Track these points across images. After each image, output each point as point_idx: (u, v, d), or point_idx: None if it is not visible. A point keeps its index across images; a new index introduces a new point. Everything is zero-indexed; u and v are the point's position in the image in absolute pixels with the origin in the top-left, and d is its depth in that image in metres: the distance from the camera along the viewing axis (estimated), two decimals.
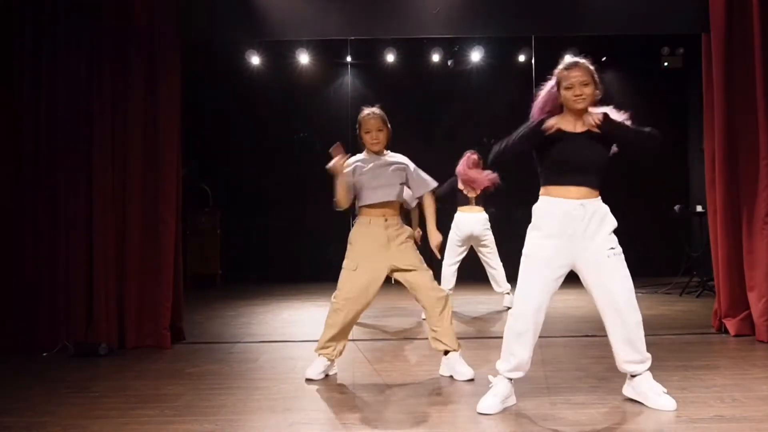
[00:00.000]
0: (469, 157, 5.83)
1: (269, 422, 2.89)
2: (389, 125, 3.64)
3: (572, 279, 3.07)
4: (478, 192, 5.87)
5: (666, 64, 8.06)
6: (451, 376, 3.57)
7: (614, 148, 3.05)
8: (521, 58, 8.00)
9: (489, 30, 5.25)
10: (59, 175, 4.52)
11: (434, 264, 3.86)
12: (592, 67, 2.98)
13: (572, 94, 2.93)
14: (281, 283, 8.31)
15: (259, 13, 4.73)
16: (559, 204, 2.96)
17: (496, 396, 2.97)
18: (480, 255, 6.03)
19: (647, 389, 2.99)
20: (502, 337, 3.06)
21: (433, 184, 3.76)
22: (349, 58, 8.33)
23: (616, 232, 3.01)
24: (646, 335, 3.01)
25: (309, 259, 8.41)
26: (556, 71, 3.02)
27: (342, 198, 3.55)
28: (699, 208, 7.14)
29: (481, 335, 4.98)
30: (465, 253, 6.01)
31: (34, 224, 4.51)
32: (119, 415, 3.01)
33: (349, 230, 3.69)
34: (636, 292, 3.01)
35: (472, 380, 3.48)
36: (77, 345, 4.33)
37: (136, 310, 4.54)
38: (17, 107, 4.53)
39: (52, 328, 4.47)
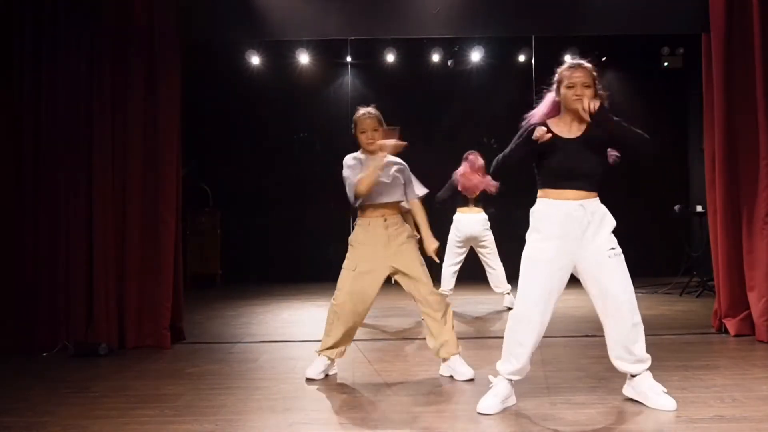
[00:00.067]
0: (474, 161, 5.76)
1: (269, 422, 2.89)
2: (385, 125, 3.64)
3: (572, 279, 3.07)
4: (477, 193, 5.87)
5: (666, 64, 8.06)
6: (451, 376, 3.57)
7: (613, 156, 3.04)
8: (521, 58, 8.00)
9: (489, 30, 5.25)
10: (59, 175, 4.52)
11: (434, 269, 3.85)
12: (595, 72, 2.98)
13: (573, 93, 2.94)
14: (281, 283, 8.31)
15: (259, 13, 4.73)
16: (559, 206, 2.96)
17: (496, 396, 2.97)
18: (480, 255, 6.03)
19: (647, 389, 2.99)
20: (502, 337, 3.05)
21: (424, 190, 3.74)
22: (349, 58, 8.33)
23: (616, 232, 3.01)
24: (646, 335, 3.00)
25: (309, 259, 8.41)
26: (559, 70, 3.03)
27: (369, 191, 3.50)
28: (699, 208, 7.14)
29: (481, 335, 4.98)
30: (465, 253, 6.01)
31: (34, 224, 4.51)
32: (119, 415, 3.01)
33: (349, 230, 3.69)
34: (636, 292, 3.01)
35: (472, 380, 3.48)
36: (77, 345, 4.33)
37: (136, 310, 4.54)
38: (17, 107, 4.53)
39: (52, 328, 4.47)
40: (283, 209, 8.68)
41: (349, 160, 3.62)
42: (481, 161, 5.75)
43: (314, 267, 8.05)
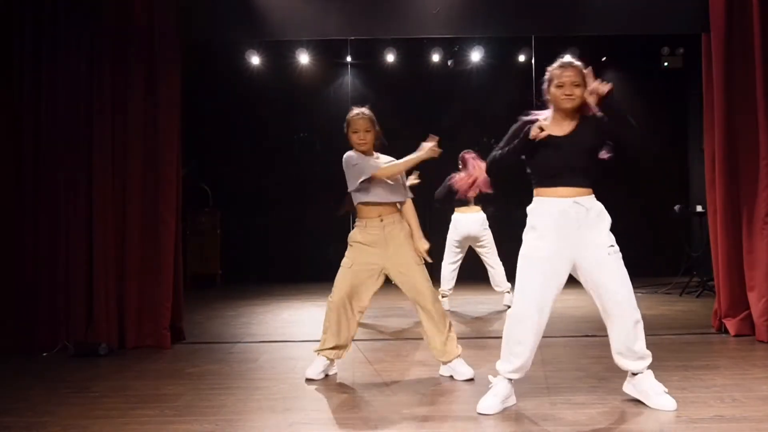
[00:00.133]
0: (475, 163, 5.72)
1: (269, 422, 2.89)
2: (377, 127, 3.64)
3: (572, 279, 3.07)
4: (476, 192, 5.85)
5: (666, 64, 8.06)
6: (451, 376, 3.57)
7: (604, 153, 3.04)
8: (521, 58, 8.00)
9: (489, 30, 5.25)
10: (59, 175, 4.52)
11: (434, 271, 3.86)
12: (585, 71, 2.99)
13: (562, 93, 2.95)
14: (281, 283, 8.31)
15: (259, 13, 4.73)
16: (553, 203, 2.96)
17: (496, 396, 2.97)
18: (479, 255, 6.03)
19: (648, 387, 2.99)
20: (501, 337, 3.05)
21: (411, 194, 3.76)
22: (349, 58, 8.33)
23: (616, 231, 3.00)
24: (646, 335, 3.00)
25: (309, 259, 8.41)
26: (549, 69, 3.04)
27: (390, 177, 3.54)
28: (699, 208, 7.14)
29: (481, 335, 4.98)
30: (463, 253, 6.02)
31: (34, 224, 4.51)
32: (119, 415, 3.01)
33: (349, 230, 3.69)
34: (636, 292, 3.01)
35: (472, 380, 3.48)
36: (77, 345, 4.33)
37: (136, 310, 4.54)
38: (17, 107, 4.53)
39: (52, 328, 4.47)
40: (283, 209, 8.68)
41: (354, 153, 3.61)
42: (479, 161, 5.71)
43: (314, 267, 8.05)
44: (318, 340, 3.69)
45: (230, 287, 8.36)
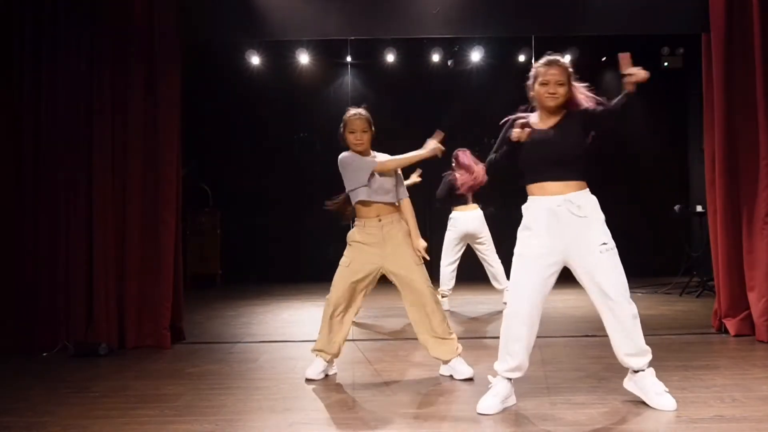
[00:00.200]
0: (471, 159, 5.70)
1: (269, 422, 2.89)
2: (374, 128, 3.64)
3: (572, 279, 3.07)
4: (472, 191, 5.84)
5: (666, 64, 8.04)
6: (451, 376, 3.57)
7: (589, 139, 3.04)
8: (521, 58, 7.98)
9: (489, 30, 5.25)
10: (59, 175, 4.52)
11: (434, 271, 3.86)
12: (570, 69, 2.99)
13: (546, 91, 2.96)
14: (281, 283, 8.31)
15: (259, 13, 4.73)
16: (542, 202, 2.97)
17: (496, 396, 2.97)
18: (478, 253, 6.03)
19: (649, 386, 2.99)
20: (500, 337, 3.06)
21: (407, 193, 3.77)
22: (349, 58, 8.31)
23: (615, 231, 2.99)
24: (646, 335, 3.00)
25: (309, 259, 8.38)
26: (534, 66, 3.04)
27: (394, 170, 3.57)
28: (699, 208, 7.14)
29: (481, 335, 4.98)
30: (462, 251, 6.02)
31: (34, 224, 4.51)
32: (119, 415, 3.01)
33: (349, 230, 3.70)
34: (636, 292, 3.02)
35: (471, 380, 3.49)
36: (77, 345, 4.33)
37: (136, 310, 4.54)
38: (17, 107, 4.53)
39: (52, 328, 4.47)
40: (283, 209, 8.66)
41: (349, 153, 3.61)
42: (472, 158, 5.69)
43: (314, 267, 8.00)
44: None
45: (230, 287, 8.36)
